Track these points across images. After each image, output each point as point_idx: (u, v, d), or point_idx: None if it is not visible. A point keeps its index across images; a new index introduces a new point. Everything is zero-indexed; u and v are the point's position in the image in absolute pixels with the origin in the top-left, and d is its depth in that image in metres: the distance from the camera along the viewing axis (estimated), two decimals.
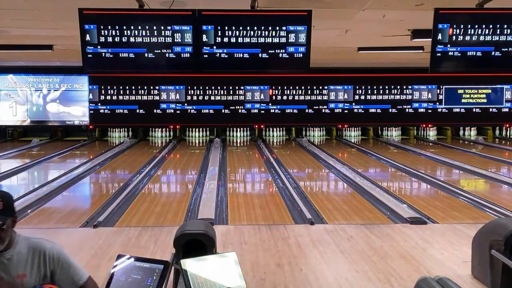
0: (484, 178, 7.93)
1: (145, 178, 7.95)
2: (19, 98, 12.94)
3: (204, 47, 5.19)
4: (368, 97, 13.10)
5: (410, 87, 13.12)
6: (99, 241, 4.43)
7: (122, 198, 6.27)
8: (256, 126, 13.39)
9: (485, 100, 13.16)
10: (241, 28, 5.16)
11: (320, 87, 13.00)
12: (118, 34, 5.12)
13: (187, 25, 5.14)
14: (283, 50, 5.24)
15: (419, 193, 7.18)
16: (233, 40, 5.19)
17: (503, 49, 5.28)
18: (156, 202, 6.26)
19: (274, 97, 12.86)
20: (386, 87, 13.11)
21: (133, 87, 12.65)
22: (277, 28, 5.18)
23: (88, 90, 12.76)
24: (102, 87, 12.64)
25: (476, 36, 5.23)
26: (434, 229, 4.84)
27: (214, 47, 5.19)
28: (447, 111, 13.17)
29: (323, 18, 6.46)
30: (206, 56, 5.20)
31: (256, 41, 5.19)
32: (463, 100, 13.14)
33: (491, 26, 5.21)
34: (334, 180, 8.08)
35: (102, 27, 5.10)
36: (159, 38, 5.15)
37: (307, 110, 12.95)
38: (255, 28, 5.17)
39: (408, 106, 13.16)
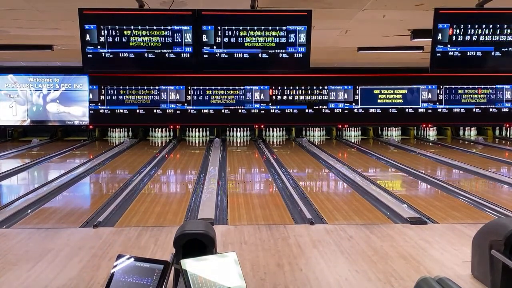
0: (484, 178, 7.93)
1: (145, 178, 7.95)
2: (19, 98, 12.95)
3: (204, 47, 5.20)
4: (368, 97, 13.12)
5: (410, 87, 13.14)
6: (99, 241, 4.43)
7: (122, 198, 6.27)
8: (256, 126, 13.40)
9: (484, 100, 13.17)
10: (241, 28, 5.17)
11: (320, 87, 13.02)
12: (118, 34, 5.13)
13: (187, 25, 5.15)
14: (283, 50, 5.25)
15: (419, 193, 7.18)
16: (233, 40, 5.19)
17: (503, 49, 5.28)
18: (156, 202, 6.26)
19: (274, 97, 12.87)
20: (386, 87, 13.12)
21: (133, 87, 12.66)
22: (277, 28, 5.19)
23: (88, 90, 12.77)
24: (102, 87, 12.65)
25: (476, 36, 5.24)
26: (434, 229, 4.84)
27: (214, 47, 5.20)
28: (447, 111, 13.18)
29: (323, 18, 6.47)
30: (206, 56, 5.21)
31: (256, 41, 5.20)
32: (463, 100, 13.16)
33: (491, 26, 5.22)
34: (334, 180, 8.08)
35: (102, 27, 5.11)
36: (159, 38, 5.15)
37: (307, 110, 12.97)
38: (255, 28, 5.18)
39: (408, 106, 13.17)
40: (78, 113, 12.98)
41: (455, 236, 4.58)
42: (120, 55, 5.18)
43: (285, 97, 12.90)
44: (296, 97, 12.94)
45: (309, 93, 12.99)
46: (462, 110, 13.17)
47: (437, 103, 13.16)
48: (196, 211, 5.64)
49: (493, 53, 5.29)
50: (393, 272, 3.67)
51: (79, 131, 13.96)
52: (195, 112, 12.75)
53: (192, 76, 12.39)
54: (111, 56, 5.17)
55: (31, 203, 6.00)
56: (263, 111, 12.87)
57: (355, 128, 14.43)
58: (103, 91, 12.69)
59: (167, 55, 5.19)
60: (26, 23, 6.97)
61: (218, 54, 5.21)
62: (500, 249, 3.16)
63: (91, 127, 13.18)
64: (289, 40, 5.23)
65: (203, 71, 5.36)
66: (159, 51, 5.17)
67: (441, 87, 13.12)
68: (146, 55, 5.18)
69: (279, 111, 12.90)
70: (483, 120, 13.42)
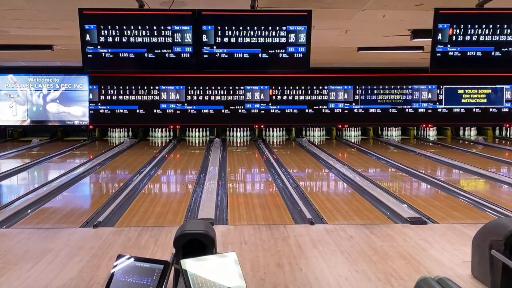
0: (484, 178, 7.93)
1: (145, 178, 7.95)
2: (19, 98, 12.94)
3: (204, 47, 5.19)
4: (368, 97, 13.12)
5: (410, 87, 13.14)
6: (99, 241, 4.43)
7: (122, 198, 6.28)
8: (256, 126, 13.40)
9: (485, 100, 13.17)
10: (241, 28, 5.17)
11: (320, 87, 13.02)
12: (118, 34, 5.13)
13: (187, 25, 5.14)
14: (283, 50, 5.24)
15: (419, 193, 7.18)
16: (233, 40, 5.19)
17: (503, 49, 5.28)
18: (156, 202, 6.26)
19: (274, 97, 12.87)
20: (386, 87, 13.12)
21: (133, 87, 12.66)
22: (277, 28, 5.19)
23: (88, 90, 12.77)
24: (102, 87, 12.66)
25: (476, 36, 5.24)
26: (434, 229, 4.84)
27: (214, 47, 5.20)
28: (447, 111, 13.18)
29: (323, 18, 6.46)
30: (206, 56, 5.21)
31: (256, 41, 5.20)
32: (463, 100, 13.16)
33: (491, 26, 5.21)
34: (334, 180, 8.08)
35: (102, 27, 5.11)
36: (159, 38, 5.15)
37: (307, 110, 12.97)
38: (255, 28, 5.17)
39: (408, 106, 13.17)
40: (78, 113, 12.98)
41: (455, 236, 4.58)
42: (120, 55, 5.17)
43: (285, 97, 12.90)
44: (296, 97, 12.94)
45: (309, 93, 12.98)
46: (462, 110, 13.17)
47: (437, 103, 13.16)
48: (196, 211, 5.64)
49: (493, 53, 5.28)
50: (393, 272, 3.67)
51: (79, 131, 13.96)
52: (195, 112, 12.75)
53: (192, 76, 12.38)
54: (111, 56, 5.17)
55: (31, 203, 6.00)
56: (263, 111, 12.87)
57: (355, 128, 14.44)
58: (103, 91, 12.68)
59: (167, 55, 5.18)
60: (26, 23, 6.97)
61: (218, 54, 5.21)
62: (500, 249, 3.16)
63: (91, 127, 13.18)
64: (289, 40, 5.22)
65: (203, 71, 5.35)
66: (159, 51, 5.17)
67: (441, 87, 13.12)
68: (146, 55, 5.18)
69: (279, 111, 12.90)
70: (483, 120, 13.42)
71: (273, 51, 5.23)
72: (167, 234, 4.55)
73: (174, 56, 5.19)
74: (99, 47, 5.15)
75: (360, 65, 12.59)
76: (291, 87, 12.88)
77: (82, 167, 9.00)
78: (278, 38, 5.21)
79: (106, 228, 4.90)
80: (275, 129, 14.23)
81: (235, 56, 5.22)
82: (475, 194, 6.42)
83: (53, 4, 5.93)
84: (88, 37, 5.13)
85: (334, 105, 13.09)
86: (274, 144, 13.11)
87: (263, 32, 5.19)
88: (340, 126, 13.64)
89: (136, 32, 5.13)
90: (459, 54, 5.25)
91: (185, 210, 5.78)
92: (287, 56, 5.25)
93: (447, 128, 14.48)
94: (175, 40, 5.16)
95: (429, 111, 13.18)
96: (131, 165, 9.42)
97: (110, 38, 5.13)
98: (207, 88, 12.69)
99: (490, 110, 13.20)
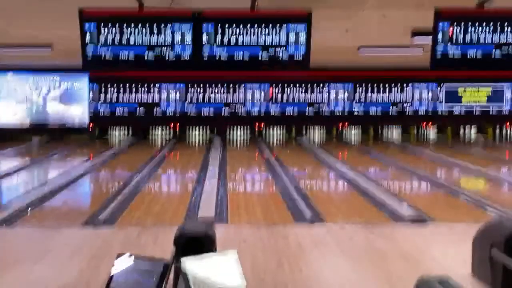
0: (484, 178, 7.93)
1: (145, 178, 7.95)
2: (19, 98, 12.94)
3: (204, 47, 5.20)
4: (368, 97, 13.12)
5: (410, 87, 13.13)
6: (99, 241, 4.42)
7: (122, 197, 6.27)
8: (256, 126, 13.40)
9: (485, 100, 13.17)
10: (241, 28, 5.17)
11: (321, 87, 13.02)
12: (118, 33, 5.13)
13: (187, 25, 5.15)
14: (283, 50, 5.24)
15: (419, 193, 7.18)
16: (233, 40, 5.20)
17: (503, 49, 5.29)
18: (156, 202, 6.26)
19: (274, 96, 12.88)
20: (386, 86, 13.12)
21: (133, 87, 12.67)
22: (277, 28, 5.19)
23: (88, 89, 12.77)
24: (102, 86, 12.66)
25: (476, 36, 5.24)
26: (435, 229, 4.84)
27: (214, 46, 5.20)
28: (447, 110, 13.18)
29: (323, 18, 6.46)
30: (206, 55, 5.21)
31: (256, 41, 5.20)
32: (463, 100, 13.16)
33: (491, 26, 5.22)
34: (334, 179, 8.08)
35: (102, 27, 5.11)
36: (159, 38, 5.15)
37: (307, 110, 12.97)
38: (255, 28, 5.18)
39: (408, 106, 13.17)
40: (78, 113, 12.98)
41: (455, 236, 4.57)
42: (120, 55, 5.18)
43: (285, 97, 12.91)
44: (297, 97, 12.94)
45: (309, 92, 12.99)
46: (462, 110, 13.17)
47: (438, 103, 13.16)
48: (196, 211, 5.64)
49: (493, 52, 5.29)
50: (393, 272, 3.67)
51: (79, 131, 13.95)
52: (195, 111, 12.76)
53: (192, 76, 12.40)
54: (111, 55, 5.18)
55: (31, 203, 6.00)
56: (263, 111, 12.87)
57: (355, 126, 14.43)
58: (103, 90, 12.69)
59: (167, 54, 5.19)
60: (26, 23, 6.97)
61: (218, 53, 5.21)
62: (500, 249, 3.16)
63: (91, 126, 13.18)
64: (289, 40, 5.23)
65: (203, 71, 5.37)
66: (159, 50, 5.17)
67: (442, 86, 13.12)
68: (146, 54, 5.18)
69: (279, 111, 12.90)
70: (483, 120, 13.42)
71: (273, 51, 5.23)
72: (167, 234, 4.53)
73: (174, 56, 5.20)
74: (99, 47, 5.15)
75: (360, 65, 12.58)
76: (291, 87, 12.89)
77: (82, 166, 9.00)
78: (278, 38, 5.21)
79: (106, 228, 4.90)
80: (275, 129, 14.22)
81: (235, 55, 5.22)
82: (476, 194, 6.41)
83: (53, 4, 5.94)
84: (88, 37, 5.14)
85: (334, 105, 13.09)
86: (274, 144, 13.11)
87: (263, 32, 5.19)
88: (340, 125, 13.64)
89: (136, 31, 5.13)
90: (460, 54, 5.26)
91: (185, 210, 5.77)
92: (287, 56, 5.26)
93: (447, 128, 14.47)
94: (175, 40, 5.16)
95: (429, 110, 13.18)
96: (131, 164, 9.41)
97: (110, 37, 5.14)
98: (207, 87, 12.70)
99: (491, 109, 13.20)
